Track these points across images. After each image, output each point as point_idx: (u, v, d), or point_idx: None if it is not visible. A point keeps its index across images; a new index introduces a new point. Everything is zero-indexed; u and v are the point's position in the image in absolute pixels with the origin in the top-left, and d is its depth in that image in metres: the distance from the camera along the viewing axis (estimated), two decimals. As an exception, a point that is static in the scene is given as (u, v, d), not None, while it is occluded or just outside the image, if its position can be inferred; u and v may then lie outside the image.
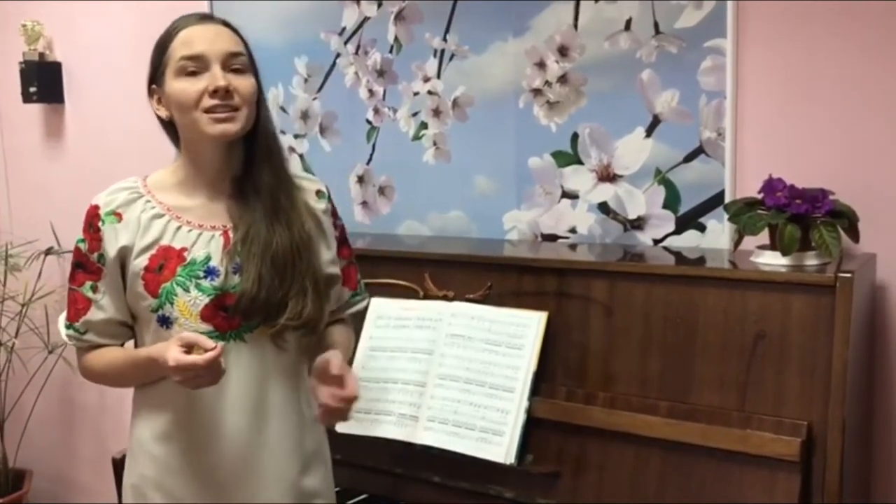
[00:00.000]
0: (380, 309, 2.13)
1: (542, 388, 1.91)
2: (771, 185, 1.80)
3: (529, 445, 1.88)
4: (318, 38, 2.64)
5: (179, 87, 1.54)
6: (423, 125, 2.48)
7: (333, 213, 1.75)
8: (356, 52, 2.58)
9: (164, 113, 1.60)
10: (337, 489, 2.07)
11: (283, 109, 2.75)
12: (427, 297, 2.09)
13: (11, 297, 3.43)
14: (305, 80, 2.69)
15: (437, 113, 2.45)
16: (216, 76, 1.52)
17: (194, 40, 1.54)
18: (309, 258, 1.60)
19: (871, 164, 1.90)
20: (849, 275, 1.61)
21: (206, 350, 1.44)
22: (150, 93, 1.62)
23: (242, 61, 1.57)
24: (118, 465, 2.17)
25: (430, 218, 2.51)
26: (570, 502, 1.83)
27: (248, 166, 1.61)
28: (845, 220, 1.77)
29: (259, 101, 1.59)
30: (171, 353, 1.44)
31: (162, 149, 2.71)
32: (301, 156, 2.74)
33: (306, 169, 2.72)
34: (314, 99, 2.69)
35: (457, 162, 2.44)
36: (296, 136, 2.74)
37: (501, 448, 1.88)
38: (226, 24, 1.61)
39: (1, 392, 3.47)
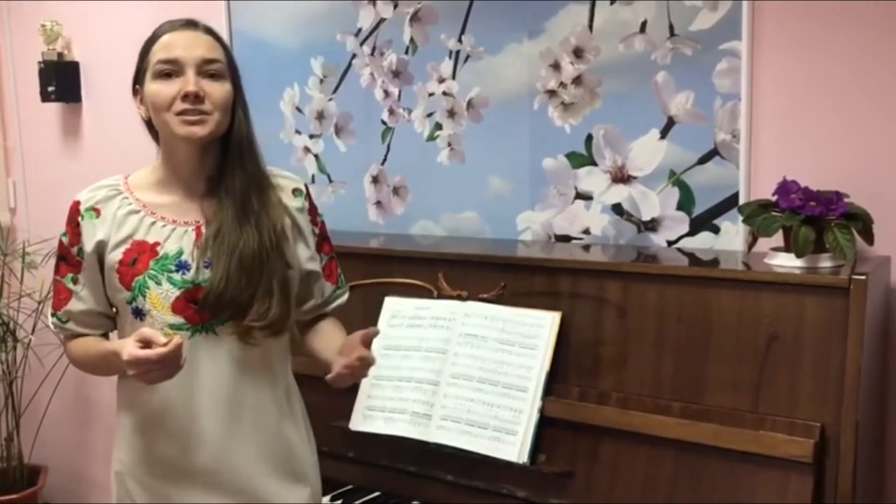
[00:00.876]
0: (394, 308, 2.14)
1: (555, 387, 1.92)
2: (785, 187, 1.81)
3: (542, 445, 1.89)
4: (334, 39, 2.66)
5: (155, 88, 1.59)
6: (438, 126, 2.50)
7: (312, 211, 1.78)
8: (372, 53, 2.59)
9: (143, 113, 1.66)
10: (349, 486, 2.10)
11: (298, 110, 2.77)
12: (441, 296, 2.10)
13: (28, 295, 3.47)
14: (321, 81, 2.71)
15: (451, 114, 2.46)
16: (188, 81, 1.57)
17: (172, 45, 1.60)
18: (277, 261, 1.64)
19: (886, 166, 1.90)
20: (863, 277, 1.62)
21: (160, 346, 1.48)
22: (135, 92, 1.68)
23: (218, 68, 1.61)
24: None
25: (444, 218, 2.52)
26: (583, 502, 1.84)
27: (222, 167, 1.66)
28: (860, 222, 1.77)
29: (235, 105, 1.64)
30: (127, 347, 1.48)
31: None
32: (316, 156, 2.75)
33: (321, 169, 2.74)
34: (330, 99, 2.70)
35: (471, 163, 2.46)
36: (311, 137, 2.75)
37: (514, 447, 1.89)
38: (209, 31, 1.65)
39: (17, 389, 3.50)
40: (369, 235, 2.58)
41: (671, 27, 2.09)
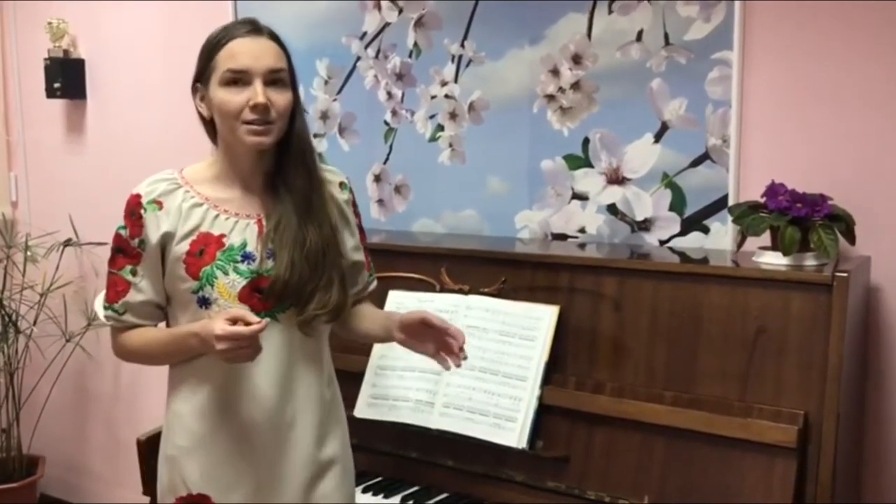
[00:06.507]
0: (398, 300, 2.23)
1: (553, 377, 2.01)
2: (773, 190, 1.91)
3: (540, 431, 1.98)
4: (340, 42, 2.74)
5: (223, 96, 1.64)
6: (440, 127, 2.59)
7: (353, 203, 1.87)
8: (376, 56, 2.68)
9: (205, 111, 1.71)
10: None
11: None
12: (443, 290, 2.19)
13: (30, 287, 3.52)
14: (326, 82, 2.79)
15: (453, 116, 2.56)
16: (257, 92, 1.62)
17: (240, 54, 1.64)
18: (335, 252, 1.73)
19: (868, 170, 2.00)
20: (845, 274, 1.72)
21: (251, 324, 1.55)
22: (194, 90, 1.72)
23: (283, 77, 1.67)
24: (143, 447, 2.25)
25: (444, 216, 2.61)
26: (579, 486, 1.93)
27: (280, 165, 1.73)
28: (843, 223, 1.88)
29: (294, 109, 1.70)
30: (218, 324, 1.55)
31: (180, 144, 2.80)
32: (320, 154, 2.82)
33: (325, 167, 2.82)
34: (334, 100, 2.79)
35: (471, 163, 2.55)
36: (315, 136, 2.83)
37: (514, 433, 1.98)
38: (272, 36, 1.70)
39: (18, 379, 3.56)
40: (371, 232, 2.62)
41: (666, 37, 2.19)
